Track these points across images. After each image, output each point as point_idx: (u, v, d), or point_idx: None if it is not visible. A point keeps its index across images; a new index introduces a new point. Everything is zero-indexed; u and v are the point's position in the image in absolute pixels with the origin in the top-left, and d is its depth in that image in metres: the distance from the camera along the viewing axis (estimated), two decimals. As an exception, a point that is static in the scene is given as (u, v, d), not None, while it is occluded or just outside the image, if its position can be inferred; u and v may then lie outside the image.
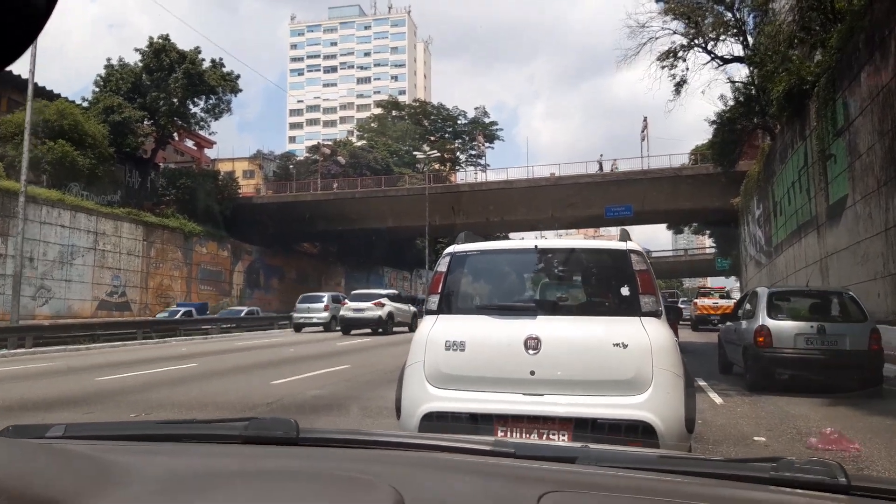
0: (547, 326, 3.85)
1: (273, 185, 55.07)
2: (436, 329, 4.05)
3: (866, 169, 14.18)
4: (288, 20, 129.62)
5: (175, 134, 53.11)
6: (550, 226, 51.74)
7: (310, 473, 1.12)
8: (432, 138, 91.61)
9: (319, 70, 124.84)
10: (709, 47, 24.56)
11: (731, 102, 25.76)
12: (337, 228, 49.29)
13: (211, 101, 45.63)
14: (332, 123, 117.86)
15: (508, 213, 47.31)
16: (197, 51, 43.96)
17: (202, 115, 45.80)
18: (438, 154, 62.48)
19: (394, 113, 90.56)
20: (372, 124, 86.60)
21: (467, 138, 74.74)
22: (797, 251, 21.24)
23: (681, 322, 17.51)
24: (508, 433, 3.62)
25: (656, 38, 24.50)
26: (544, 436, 3.63)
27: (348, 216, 48.47)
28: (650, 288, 3.97)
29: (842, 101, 15.83)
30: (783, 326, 8.95)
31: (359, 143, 68.11)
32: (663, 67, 23.69)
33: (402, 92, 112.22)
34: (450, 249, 4.44)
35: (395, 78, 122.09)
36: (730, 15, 24.63)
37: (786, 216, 23.01)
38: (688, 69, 23.60)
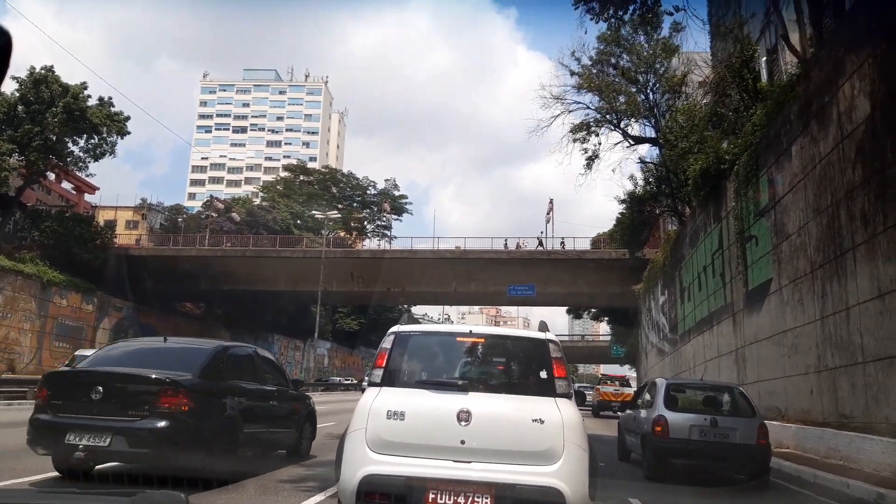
0: (477, 402, 4.51)
1: (156, 237, 50.57)
2: (378, 400, 4.58)
3: (796, 251, 12.92)
4: (200, 77, 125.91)
5: (51, 173, 48.33)
6: (452, 298, 49.81)
7: None
8: (340, 206, 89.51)
9: (228, 129, 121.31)
10: (621, 125, 23.92)
11: (640, 183, 25.14)
12: (222, 288, 45.33)
13: (93, 141, 41.62)
14: (236, 183, 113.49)
15: (410, 284, 45.09)
16: (82, 86, 40.31)
17: (81, 154, 41.58)
18: (340, 215, 59.80)
19: (301, 178, 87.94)
20: (278, 187, 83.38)
21: (376, 209, 72.87)
22: (708, 339, 19.97)
23: (581, 407, 16.91)
24: (438, 496, 4.20)
25: (569, 112, 23.69)
26: (469, 499, 4.19)
27: (237, 276, 44.70)
28: (563, 373, 4.74)
29: (766, 179, 14.80)
30: (679, 418, 9.25)
31: (258, 202, 64.64)
32: (575, 140, 22.81)
33: (314, 159, 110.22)
34: (394, 329, 5.03)
35: (306, 144, 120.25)
36: (642, 96, 24.21)
37: (695, 303, 21.93)
38: (600, 144, 22.85)
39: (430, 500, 4.22)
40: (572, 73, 23.78)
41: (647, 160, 24.61)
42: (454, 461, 4.30)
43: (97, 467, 6.87)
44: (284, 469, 8.39)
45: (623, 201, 24.63)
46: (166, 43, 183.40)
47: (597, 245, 46.06)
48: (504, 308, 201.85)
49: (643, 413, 10.18)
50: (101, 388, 6.60)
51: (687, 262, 23.14)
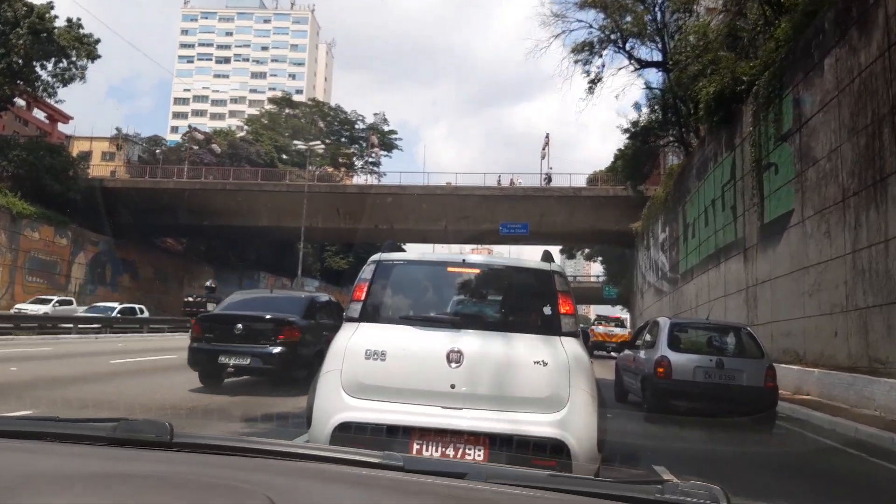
0: (470, 340, 3.88)
1: (134, 169, 48.48)
2: (356, 337, 3.96)
3: (825, 177, 11.50)
4: (181, 4, 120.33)
5: (20, 99, 45.86)
6: (443, 238, 48.41)
7: (179, 479, 1.08)
8: (327, 141, 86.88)
9: (211, 60, 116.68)
10: (626, 47, 22.04)
11: (645, 111, 23.41)
12: (203, 223, 43.62)
13: (61, 65, 39.08)
14: (220, 116, 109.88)
15: (399, 221, 43.55)
16: (49, 5, 37.44)
17: (49, 79, 39.10)
18: (324, 146, 57.56)
19: (287, 111, 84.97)
20: (262, 119, 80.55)
21: (364, 144, 70.50)
22: (714, 278, 18.76)
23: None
24: (424, 447, 3.63)
25: (571, 31, 21.78)
26: (460, 451, 3.64)
27: (218, 210, 42.95)
28: (571, 309, 4.10)
29: (791, 99, 13.24)
30: (683, 359, 8.88)
31: (242, 135, 62.20)
32: (577, 62, 21.02)
33: (300, 91, 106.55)
34: (375, 257, 4.35)
35: (292, 76, 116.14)
36: (650, 16, 22.24)
37: (699, 239, 20.64)
38: (603, 66, 21.13)
39: (414, 451, 3.59)
40: (574, -13, 21.73)
41: (654, 86, 22.77)
42: (443, 408, 3.74)
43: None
44: (281, 401, 8.90)
45: (626, 131, 22.99)
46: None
47: (594, 182, 44.51)
48: (496, 248, 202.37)
49: (643, 354, 9.73)
50: (240, 325, 9.67)
51: (692, 197, 21.74)
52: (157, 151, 53.44)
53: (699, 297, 20.59)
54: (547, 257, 4.50)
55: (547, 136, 48.38)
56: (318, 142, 49.37)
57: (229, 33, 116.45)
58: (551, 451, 3.56)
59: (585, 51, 20.81)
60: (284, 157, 66.58)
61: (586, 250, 66.17)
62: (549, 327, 4.00)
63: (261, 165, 51.44)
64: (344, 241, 55.89)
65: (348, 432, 3.64)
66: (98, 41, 40.19)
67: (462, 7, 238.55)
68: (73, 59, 39.16)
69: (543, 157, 47.61)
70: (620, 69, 23.13)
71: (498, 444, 3.59)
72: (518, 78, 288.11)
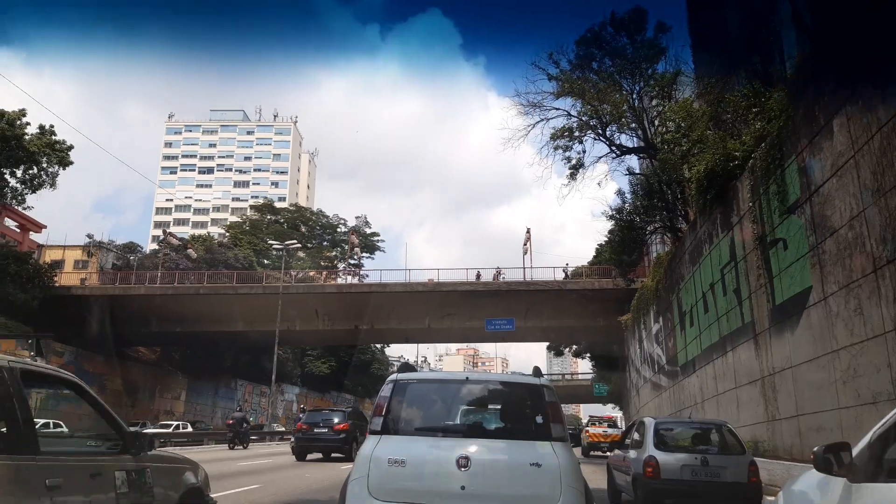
0: (476, 448, 4.57)
1: (107, 276, 46.83)
2: (379, 447, 4.65)
3: (848, 247, 10.27)
4: (165, 118, 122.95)
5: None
6: (426, 336, 46.54)
7: None
8: (309, 245, 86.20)
9: (194, 170, 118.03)
10: (606, 133, 21.48)
11: (629, 199, 22.58)
12: (175, 330, 41.64)
13: (31, 171, 38.32)
14: (202, 225, 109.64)
15: (380, 321, 41.88)
16: (20, 112, 37.11)
17: (18, 185, 38.19)
18: (299, 245, 56.32)
19: (269, 217, 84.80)
20: (245, 227, 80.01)
21: (346, 247, 69.62)
22: (721, 369, 17.17)
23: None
24: None
25: (548, 120, 21.26)
26: None
27: (191, 316, 41.10)
28: (559, 417, 4.89)
29: (795, 168, 12.25)
30: (670, 458, 9.01)
31: (220, 240, 61.15)
32: (556, 148, 20.29)
33: (283, 199, 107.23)
34: (392, 377, 5.12)
35: (275, 184, 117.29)
36: (629, 103, 21.85)
37: (699, 328, 19.21)
38: (584, 152, 20.31)
39: None
40: (550, 78, 21.42)
41: (637, 172, 22.02)
42: None
43: None
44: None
45: (612, 217, 22.07)
46: (133, 91, 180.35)
47: (578, 276, 43.45)
48: (482, 349, 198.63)
49: (633, 454, 9.90)
50: (321, 421, 20.66)
51: (687, 283, 20.50)
52: (132, 258, 51.96)
53: (704, 390, 18.90)
54: (536, 373, 5.22)
55: (528, 231, 47.80)
56: (294, 241, 48.22)
57: (213, 144, 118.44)
58: None
59: (565, 136, 20.19)
60: (266, 261, 65.39)
61: (574, 347, 64.17)
62: (542, 433, 4.66)
63: (239, 270, 50.04)
64: (324, 343, 53.80)
65: None
66: (71, 147, 39.72)
67: (441, 120, 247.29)
68: (44, 165, 38.49)
69: (525, 253, 46.83)
70: (601, 158, 22.48)
71: None
72: (496, 182, 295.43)
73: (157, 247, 53.43)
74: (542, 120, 20.65)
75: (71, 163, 39.81)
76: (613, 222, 21.89)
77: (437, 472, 4.49)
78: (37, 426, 4.05)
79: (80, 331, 41.61)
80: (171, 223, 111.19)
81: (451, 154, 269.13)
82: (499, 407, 5.20)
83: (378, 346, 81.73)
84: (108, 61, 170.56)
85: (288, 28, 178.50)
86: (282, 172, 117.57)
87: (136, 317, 41.33)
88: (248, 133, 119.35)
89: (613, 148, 21.08)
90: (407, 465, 4.51)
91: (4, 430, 3.45)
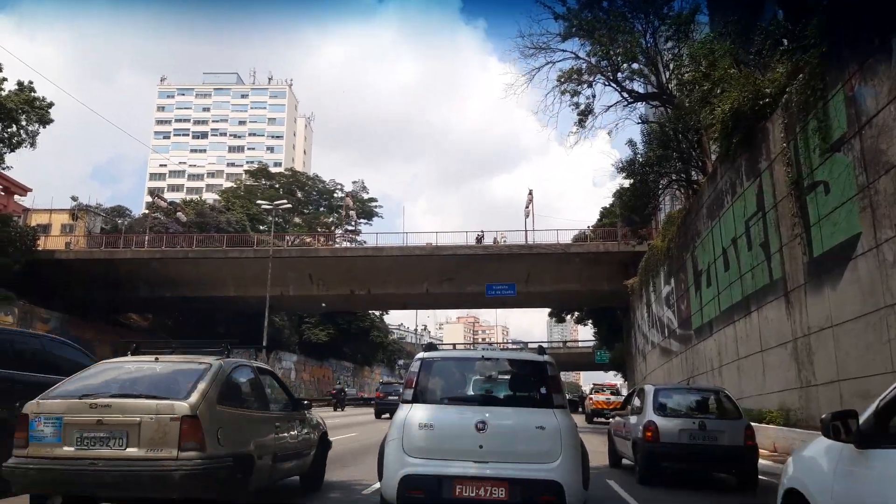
0: (491, 414, 5.53)
1: (94, 240, 45.29)
2: (411, 414, 5.63)
3: (913, 183, 8.72)
4: (151, 75, 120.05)
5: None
6: (424, 302, 45.23)
7: None
8: (305, 211, 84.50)
9: (188, 135, 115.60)
10: (618, 77, 19.68)
11: (641, 148, 20.85)
12: (164, 295, 40.21)
13: (10, 130, 36.51)
14: (196, 191, 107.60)
15: (377, 286, 40.47)
16: (-5, 68, 35.17)
17: (-5, 144, 36.40)
18: (290, 205, 54.67)
19: (264, 182, 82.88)
20: (240, 192, 78.18)
21: (344, 213, 67.98)
22: (743, 331, 15.74)
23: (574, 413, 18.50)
24: (463, 490, 5.21)
25: (554, 63, 19.48)
26: (488, 491, 5.18)
27: (180, 281, 39.67)
28: (559, 388, 5.89)
29: (842, 98, 10.64)
30: (669, 423, 9.33)
31: (212, 203, 59.46)
32: (564, 93, 18.47)
33: (278, 164, 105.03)
34: (420, 355, 6.13)
35: (270, 149, 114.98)
36: (642, 42, 20.01)
37: (718, 287, 17.75)
38: (594, 97, 18.54)
39: (456, 494, 5.21)
40: (556, 17, 19.58)
41: (650, 120, 20.25)
42: (474, 462, 5.31)
43: None
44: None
45: (623, 168, 20.36)
46: (127, 56, 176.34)
47: (581, 240, 41.92)
48: (483, 317, 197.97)
49: (633, 419, 10.24)
50: (392, 392, 27.40)
51: (703, 240, 18.98)
52: (121, 223, 50.35)
53: (723, 354, 17.51)
54: (541, 351, 6.27)
55: (530, 193, 46.10)
56: (285, 201, 46.56)
57: (206, 108, 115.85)
58: (551, 490, 5.20)
59: (573, 80, 18.42)
60: (261, 227, 63.73)
61: (576, 313, 62.88)
62: (545, 402, 5.70)
63: (231, 234, 48.44)
64: (318, 309, 52.40)
65: (410, 482, 5.31)
66: (51, 105, 37.85)
67: (441, 86, 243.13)
68: (23, 123, 36.67)
69: (527, 216, 45.19)
70: (610, 107, 20.75)
71: (513, 485, 5.21)
72: (497, 151, 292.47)
73: (147, 212, 51.85)
74: (548, 63, 18.95)
75: (51, 120, 37.97)
76: (624, 175, 20.25)
77: (460, 434, 5.38)
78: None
79: (67, 297, 40.36)
80: (166, 189, 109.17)
81: (450, 121, 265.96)
82: (509, 379, 6.09)
83: (377, 313, 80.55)
84: (100, 24, 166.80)
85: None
86: (277, 137, 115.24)
87: (123, 282, 39.92)
88: (243, 96, 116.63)
89: (625, 94, 19.34)
90: (434, 429, 5.44)
91: (255, 399, 6.60)
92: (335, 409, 36.41)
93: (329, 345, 72.10)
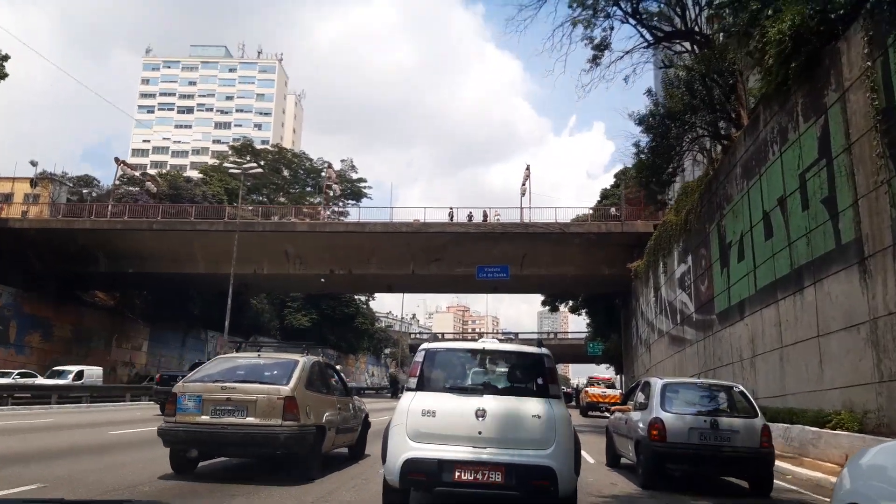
0: (490, 402, 5.80)
1: (56, 210, 41.90)
2: (414, 402, 5.92)
3: None
4: (143, 53, 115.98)
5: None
6: (410, 284, 42.10)
7: None
8: (292, 190, 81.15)
9: (173, 109, 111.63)
10: (639, 9, 16.52)
11: (662, 100, 17.74)
12: (127, 270, 36.93)
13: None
14: (181, 168, 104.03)
15: (358, 266, 37.33)
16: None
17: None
18: (262, 170, 51.25)
19: (249, 159, 79.38)
20: (221, 168, 74.68)
21: (325, 187, 64.71)
22: (790, 312, 12.72)
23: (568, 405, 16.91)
24: (463, 473, 5.48)
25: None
26: (486, 475, 5.47)
27: (145, 255, 36.43)
28: (555, 379, 6.21)
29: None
30: (677, 420, 8.54)
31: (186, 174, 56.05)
32: (576, 23, 15.33)
33: (266, 142, 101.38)
34: (424, 346, 6.47)
35: (258, 126, 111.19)
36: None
37: (753, 261, 14.73)
38: (611, 28, 15.42)
39: (456, 477, 5.51)
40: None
41: (678, 61, 17.08)
42: (473, 447, 5.59)
43: None
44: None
45: (642, 121, 17.14)
46: (118, 31, 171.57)
47: (583, 220, 38.88)
48: (473, 306, 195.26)
49: (636, 415, 9.41)
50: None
51: (735, 206, 15.94)
52: (86, 193, 46.95)
53: (757, 342, 14.51)
54: (538, 344, 6.60)
55: (528, 169, 42.94)
56: (255, 166, 43.28)
57: (192, 82, 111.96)
58: (545, 474, 5.50)
59: (588, 8, 15.24)
60: (246, 208, 60.35)
61: (570, 302, 59.95)
62: (541, 392, 6.03)
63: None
64: (295, 288, 49.34)
65: (412, 466, 5.53)
66: (7, 57, 34.38)
67: (438, 70, 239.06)
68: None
69: (523, 194, 42.09)
70: (626, 53, 17.55)
71: (510, 469, 5.46)
72: (493, 139, 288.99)
73: (118, 182, 48.41)
74: (555, -7, 15.77)
75: (6, 75, 34.51)
76: (642, 128, 17.12)
77: (460, 421, 5.70)
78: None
79: (24, 269, 37.14)
80: (148, 166, 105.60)
81: (448, 107, 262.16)
82: (508, 370, 6.50)
83: (362, 298, 77.48)
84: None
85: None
86: (265, 114, 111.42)
87: (82, 255, 36.66)
88: (231, 70, 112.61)
89: (645, 30, 16.16)
90: (437, 416, 5.77)
91: (324, 386, 8.68)
92: (391, 397, 38.45)
93: (312, 330, 68.97)
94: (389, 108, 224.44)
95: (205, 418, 7.36)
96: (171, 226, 35.90)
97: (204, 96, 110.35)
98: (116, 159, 42.18)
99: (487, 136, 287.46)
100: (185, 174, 75.74)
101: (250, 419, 7.32)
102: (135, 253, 36.39)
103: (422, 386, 6.05)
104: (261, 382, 7.65)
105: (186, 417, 7.41)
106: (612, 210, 40.05)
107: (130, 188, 46.48)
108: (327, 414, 8.19)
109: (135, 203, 41.75)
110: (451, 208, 37.75)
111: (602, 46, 15.63)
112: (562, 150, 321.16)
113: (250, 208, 47.10)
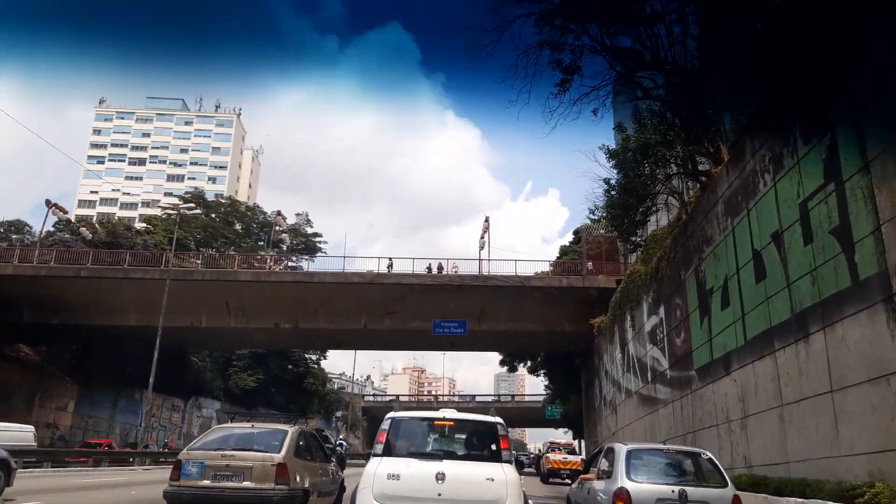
0: (449, 466, 6.70)
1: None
2: (381, 466, 6.77)
3: None
4: (95, 103, 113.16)
5: None
6: (361, 340, 39.46)
7: None
8: (244, 244, 78.26)
9: (124, 161, 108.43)
10: (607, 40, 15.34)
11: (632, 134, 16.39)
12: (52, 322, 33.75)
13: None
14: (130, 220, 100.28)
15: (306, 319, 34.84)
16: None
17: None
18: (199, 210, 48.66)
19: (198, 210, 76.58)
20: (169, 219, 71.62)
21: (273, 236, 62.20)
22: (791, 363, 10.98)
23: (524, 472, 16.87)
24: None
25: (529, 17, 15.01)
26: None
27: (73, 306, 33.43)
28: (507, 445, 7.12)
29: None
30: (644, 490, 8.13)
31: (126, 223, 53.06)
32: (542, 46, 13.97)
33: (220, 195, 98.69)
34: (390, 415, 7.33)
35: (212, 180, 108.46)
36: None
37: (742, 307, 13.09)
38: (582, 50, 14.08)
39: None
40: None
41: (653, 85, 15.79)
42: None
43: None
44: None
45: (614, 155, 15.70)
46: (76, 88, 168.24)
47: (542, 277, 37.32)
48: (429, 368, 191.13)
49: (599, 485, 9.11)
50: None
51: (718, 247, 14.43)
52: (15, 238, 43.63)
53: (749, 400, 12.71)
54: (493, 413, 7.79)
55: (486, 220, 41.53)
56: (193, 205, 40.85)
57: (146, 134, 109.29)
58: None
59: (556, 27, 13.89)
60: (196, 260, 57.24)
61: (529, 362, 58.04)
62: (495, 457, 6.93)
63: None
64: (236, 343, 46.13)
65: None
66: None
67: (399, 136, 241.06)
68: None
69: (482, 247, 40.53)
70: (592, 89, 16.28)
71: None
72: (452, 203, 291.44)
73: (52, 229, 45.27)
74: (525, 15, 14.38)
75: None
76: (614, 162, 15.63)
77: (422, 484, 6.52)
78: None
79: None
80: (94, 217, 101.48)
81: (408, 172, 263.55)
82: (465, 437, 7.48)
83: (313, 356, 74.11)
84: (47, 53, 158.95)
85: (243, 34, 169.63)
86: (221, 167, 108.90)
87: (4, 304, 33.37)
88: (187, 123, 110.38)
89: (612, 59, 14.87)
90: (401, 479, 6.59)
91: (309, 453, 9.68)
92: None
93: (258, 391, 65.23)
94: (350, 171, 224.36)
95: (206, 482, 8.27)
96: (102, 273, 33.05)
97: (157, 148, 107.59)
98: (48, 202, 39.30)
99: (447, 199, 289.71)
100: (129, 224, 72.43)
101: (247, 483, 8.23)
102: (62, 303, 33.36)
103: (388, 452, 6.95)
104: (256, 450, 8.64)
105: (190, 482, 8.30)
106: (575, 265, 38.79)
107: (65, 235, 43.35)
108: (312, 479, 9.13)
109: (67, 249, 38.71)
110: (411, 258, 35.85)
111: (571, 69, 14.23)
112: (519, 214, 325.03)
113: (198, 261, 44.27)
